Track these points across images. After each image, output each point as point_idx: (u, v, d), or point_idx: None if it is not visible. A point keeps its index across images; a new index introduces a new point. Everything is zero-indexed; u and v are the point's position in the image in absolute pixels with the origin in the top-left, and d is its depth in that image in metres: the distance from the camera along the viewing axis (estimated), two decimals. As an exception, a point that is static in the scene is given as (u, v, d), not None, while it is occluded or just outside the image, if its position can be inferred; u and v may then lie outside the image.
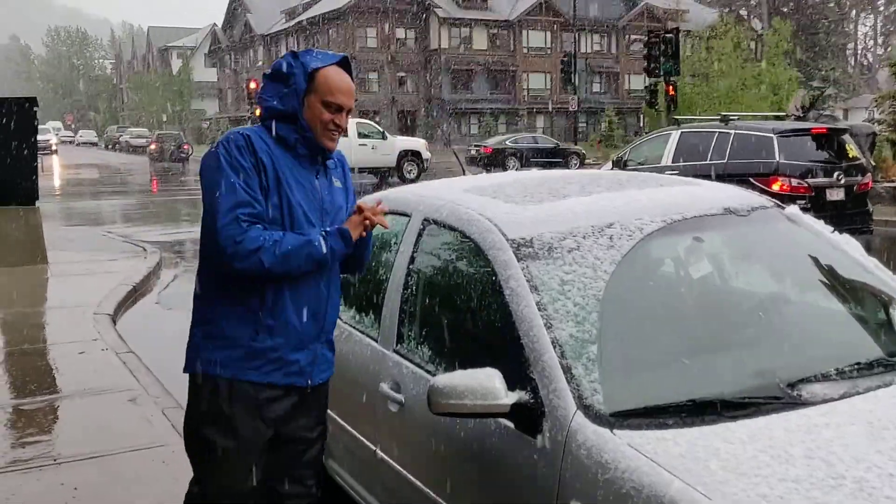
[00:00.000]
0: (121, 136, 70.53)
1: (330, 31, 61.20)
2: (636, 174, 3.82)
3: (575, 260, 2.73)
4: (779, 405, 2.35)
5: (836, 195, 10.44)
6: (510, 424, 2.48)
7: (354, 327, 3.59)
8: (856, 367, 2.55)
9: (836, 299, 2.96)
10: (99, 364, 6.79)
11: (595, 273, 2.69)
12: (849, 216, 10.24)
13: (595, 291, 2.63)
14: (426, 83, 61.67)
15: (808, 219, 3.23)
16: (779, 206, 3.32)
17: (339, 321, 3.68)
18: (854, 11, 68.69)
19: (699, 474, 2.04)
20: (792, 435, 2.20)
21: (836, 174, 10.45)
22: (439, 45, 61.49)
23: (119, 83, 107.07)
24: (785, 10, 50.02)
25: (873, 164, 14.96)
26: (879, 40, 71.42)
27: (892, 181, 17.04)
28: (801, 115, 18.73)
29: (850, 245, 3.12)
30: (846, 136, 11.45)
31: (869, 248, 3.36)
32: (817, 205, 9.87)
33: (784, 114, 16.79)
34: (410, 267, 3.28)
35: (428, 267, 3.28)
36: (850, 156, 11.00)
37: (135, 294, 10.05)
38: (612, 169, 12.74)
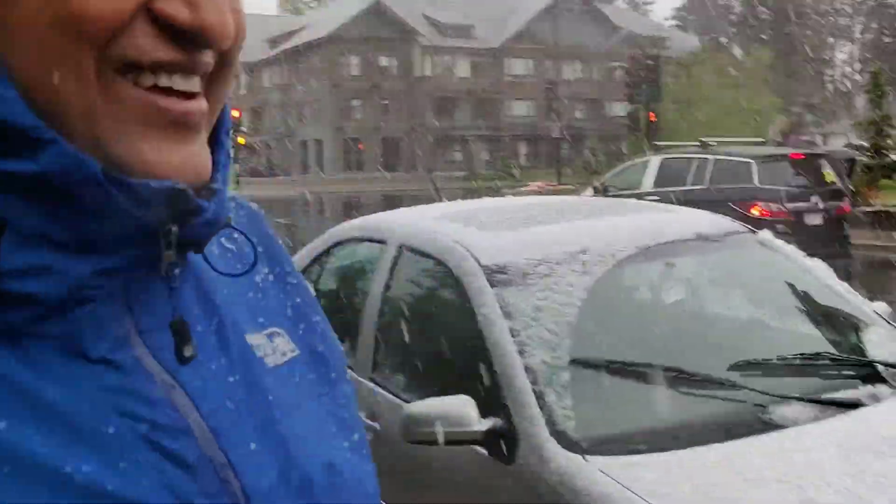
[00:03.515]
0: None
1: (313, 59, 61.50)
2: (612, 201, 3.86)
3: (548, 286, 2.74)
4: (751, 429, 2.36)
5: (815, 220, 10.53)
6: (484, 451, 2.47)
7: (330, 355, 3.57)
8: (827, 390, 2.57)
9: (808, 323, 2.98)
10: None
11: (568, 299, 2.70)
12: (827, 241, 10.31)
13: (568, 318, 2.64)
14: (410, 111, 62.00)
15: (781, 244, 3.26)
16: (751, 230, 3.35)
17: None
18: (832, 39, 69.81)
19: (672, 499, 2.05)
20: (764, 458, 2.22)
21: (814, 199, 10.55)
22: (422, 73, 61.91)
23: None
24: (764, 37, 50.76)
25: (851, 189, 15.13)
26: (857, 67, 72.48)
27: (871, 206, 17.21)
28: (781, 141, 18.96)
29: (822, 270, 3.15)
30: (824, 162, 11.58)
31: (848, 273, 3.39)
32: (796, 229, 9.93)
33: (763, 140, 16.99)
34: (386, 294, 3.28)
35: (403, 294, 3.28)
36: (828, 181, 11.12)
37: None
38: (593, 195, 12.83)
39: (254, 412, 0.62)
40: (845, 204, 11.27)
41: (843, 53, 73.84)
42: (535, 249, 2.91)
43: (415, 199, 28.48)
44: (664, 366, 2.73)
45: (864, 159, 20.19)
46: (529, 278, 2.77)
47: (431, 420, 2.43)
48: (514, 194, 30.45)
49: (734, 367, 2.75)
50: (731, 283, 2.93)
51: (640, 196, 11.61)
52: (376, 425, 3.04)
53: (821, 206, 10.57)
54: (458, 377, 2.79)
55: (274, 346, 0.69)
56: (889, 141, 20.57)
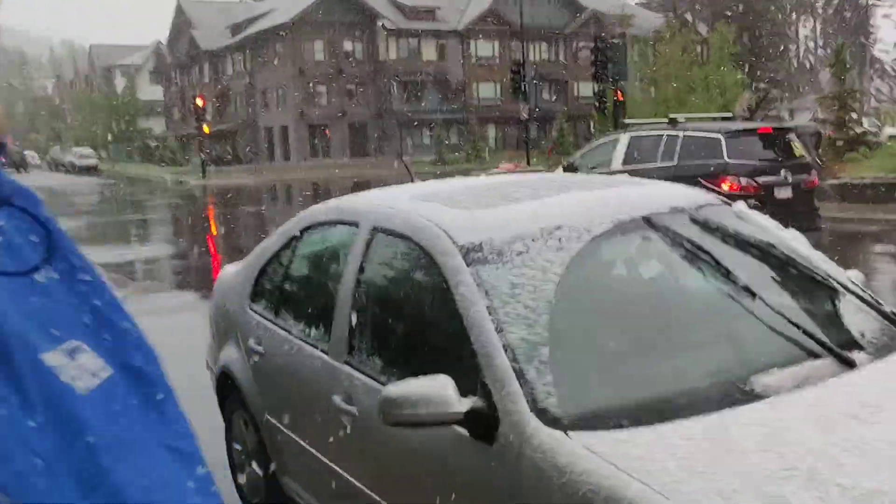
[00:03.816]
0: (65, 156, 69.28)
1: (276, 45, 60.83)
2: (585, 176, 3.83)
3: (524, 263, 2.72)
4: (732, 400, 2.35)
5: (784, 194, 10.61)
6: (465, 432, 2.44)
7: (304, 340, 3.52)
8: (806, 358, 2.57)
9: (785, 293, 2.98)
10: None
11: (545, 276, 2.67)
12: (797, 214, 10.38)
13: (545, 294, 2.61)
14: (376, 95, 61.60)
15: (756, 214, 3.26)
16: (726, 202, 3.34)
17: (288, 335, 3.63)
18: (794, 14, 70.30)
19: (657, 474, 2.03)
20: (745, 429, 2.21)
21: (783, 173, 10.62)
22: (388, 57, 61.50)
23: (61, 103, 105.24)
24: (729, 13, 50.98)
25: (818, 161, 15.27)
26: (820, 42, 73.17)
27: (838, 178, 17.42)
28: (749, 117, 19.09)
29: (797, 240, 3.15)
30: (792, 136, 11.66)
31: (818, 246, 3.41)
32: (766, 203, 10.00)
33: (731, 115, 17.07)
34: (360, 277, 3.23)
35: (378, 276, 3.24)
36: (797, 154, 11.20)
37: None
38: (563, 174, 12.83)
39: (74, 465, 0.47)
40: (814, 177, 11.36)
41: (805, 29, 74.45)
42: (511, 227, 2.88)
43: (384, 185, 28.31)
44: (643, 339, 2.72)
45: (830, 133, 20.43)
46: (505, 256, 2.74)
47: (411, 402, 2.41)
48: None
49: (714, 338, 2.76)
50: (707, 255, 2.92)
51: (610, 174, 11.64)
52: (354, 409, 3.00)
53: (790, 179, 10.64)
54: (436, 358, 2.76)
55: (79, 365, 0.54)
56: (853, 115, 20.83)
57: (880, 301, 3.06)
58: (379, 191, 3.91)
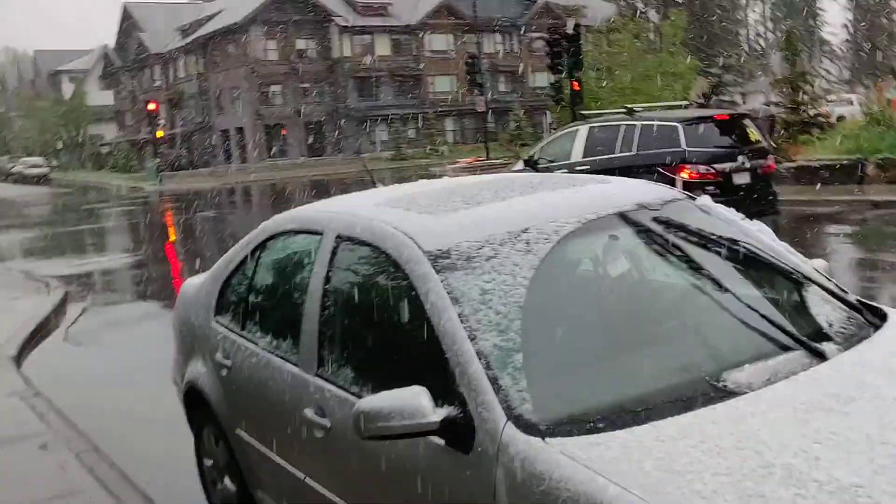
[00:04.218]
0: (13, 166, 67.66)
1: (228, 46, 60.11)
2: (549, 176, 3.82)
3: (494, 268, 2.70)
4: (706, 398, 2.35)
5: (743, 179, 10.73)
6: (441, 442, 2.42)
7: (273, 353, 3.47)
8: (777, 352, 2.58)
9: (753, 286, 3.00)
10: (3, 409, 6.44)
11: (515, 280, 2.65)
12: (756, 199, 10.53)
13: (516, 299, 2.60)
14: (331, 93, 61.17)
15: (720, 208, 3.27)
16: (690, 197, 3.35)
17: (256, 348, 3.57)
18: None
19: (634, 476, 2.02)
20: (721, 427, 2.21)
21: (740, 159, 10.73)
22: (341, 54, 61.11)
23: (7, 111, 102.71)
24: (679, 0, 51.42)
25: (774, 146, 15.47)
26: (770, 26, 74.20)
27: (793, 161, 17.67)
28: (704, 103, 19.27)
29: (762, 232, 3.17)
30: (748, 121, 11.78)
31: (777, 229, 3.43)
32: (725, 190, 10.12)
33: (686, 102, 17.23)
34: (326, 287, 3.18)
35: (345, 286, 3.19)
36: (753, 140, 11.33)
37: (41, 332, 9.60)
38: (523, 168, 12.83)
39: None
40: (770, 161, 11.51)
41: (755, 13, 75.48)
42: (478, 231, 2.86)
43: (342, 183, 28.09)
44: (616, 340, 2.71)
45: (784, 116, 20.72)
46: (474, 261, 2.72)
47: (385, 415, 2.38)
48: (443, 172, 30.35)
49: (686, 336, 2.76)
50: (674, 251, 2.92)
51: (571, 166, 11.68)
52: (326, 422, 2.96)
53: (747, 165, 10.76)
54: (409, 368, 2.73)
55: None
56: (805, 97, 21.14)
57: (845, 290, 3.09)
58: (342, 197, 3.87)
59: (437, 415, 2.36)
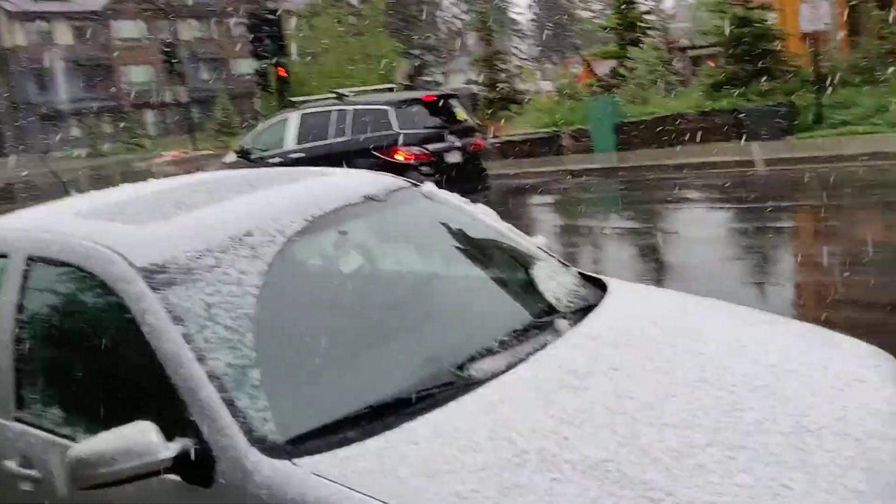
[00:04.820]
0: None
1: None
2: (267, 171, 3.61)
3: (218, 278, 2.46)
4: (455, 390, 2.31)
5: (455, 158, 11.11)
6: (178, 479, 2.16)
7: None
8: (514, 334, 2.60)
9: (483, 270, 3.02)
10: None
11: (242, 289, 2.44)
12: (468, 176, 10.95)
13: (246, 309, 2.39)
14: (6, 87, 55.32)
15: (444, 194, 3.26)
16: (415, 185, 3.31)
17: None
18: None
19: (393, 487, 1.93)
20: (472, 419, 2.18)
21: (450, 138, 11.10)
22: (14, 43, 55.41)
23: None
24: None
25: (479, 123, 16.24)
26: (463, 7, 77.90)
27: (497, 137, 18.70)
28: (409, 85, 19.79)
29: (486, 214, 3.20)
30: (454, 101, 12.21)
31: (489, 203, 3.50)
32: (439, 169, 10.41)
33: (392, 85, 17.55)
34: (19, 317, 2.75)
35: (43, 314, 2.78)
36: (460, 119, 11.77)
37: None
38: (236, 159, 12.38)
39: None
40: (478, 139, 12.04)
41: (448, -6, 78.81)
42: (195, 239, 2.60)
43: (29, 188, 25.20)
44: (357, 342, 2.59)
45: (485, 94, 21.89)
46: (195, 273, 2.47)
47: (107, 458, 2.08)
48: (148, 167, 28.62)
49: (425, 329, 2.71)
50: (405, 242, 2.86)
51: (285, 155, 11.44)
52: (34, 473, 2.56)
53: (458, 143, 11.16)
54: (131, 401, 2.42)
55: None
56: (502, 74, 22.47)
57: (567, 264, 3.21)
58: (31, 211, 3.37)
59: (169, 450, 2.10)
